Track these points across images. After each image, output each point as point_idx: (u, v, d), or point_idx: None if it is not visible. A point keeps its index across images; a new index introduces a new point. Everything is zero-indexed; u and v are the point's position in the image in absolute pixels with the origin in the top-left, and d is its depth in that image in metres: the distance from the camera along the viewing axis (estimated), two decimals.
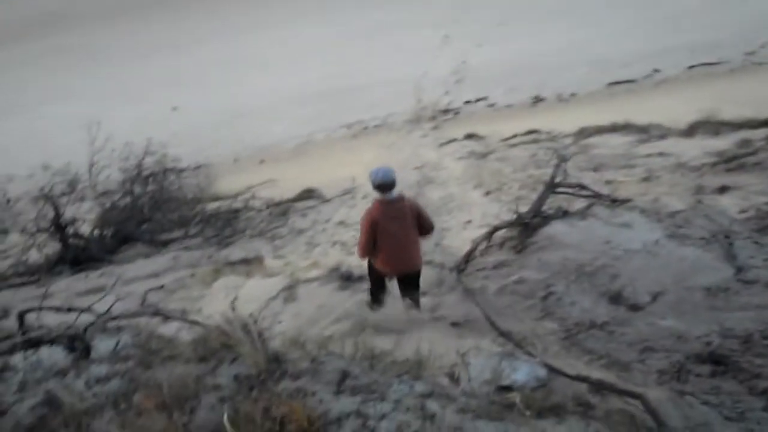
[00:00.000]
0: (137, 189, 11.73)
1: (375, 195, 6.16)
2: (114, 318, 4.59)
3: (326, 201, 12.60)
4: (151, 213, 11.39)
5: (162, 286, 8.26)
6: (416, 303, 6.36)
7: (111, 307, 5.06)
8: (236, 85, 20.40)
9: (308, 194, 12.95)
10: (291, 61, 21.46)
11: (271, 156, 17.08)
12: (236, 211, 12.13)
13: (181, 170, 12.88)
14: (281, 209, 12.33)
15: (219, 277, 8.80)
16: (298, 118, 18.11)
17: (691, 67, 17.57)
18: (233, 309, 7.67)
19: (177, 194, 12.41)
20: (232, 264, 9.40)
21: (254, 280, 8.46)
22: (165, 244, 10.95)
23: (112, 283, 7.47)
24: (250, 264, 9.59)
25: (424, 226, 6.23)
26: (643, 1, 21.85)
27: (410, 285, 6.31)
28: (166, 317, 5.05)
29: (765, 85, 14.86)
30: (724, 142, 11.01)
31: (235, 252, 10.04)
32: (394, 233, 6.00)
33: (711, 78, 16.88)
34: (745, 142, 10.55)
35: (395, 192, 6.10)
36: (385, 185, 6.02)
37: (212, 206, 12.46)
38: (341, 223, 11.40)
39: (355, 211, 11.81)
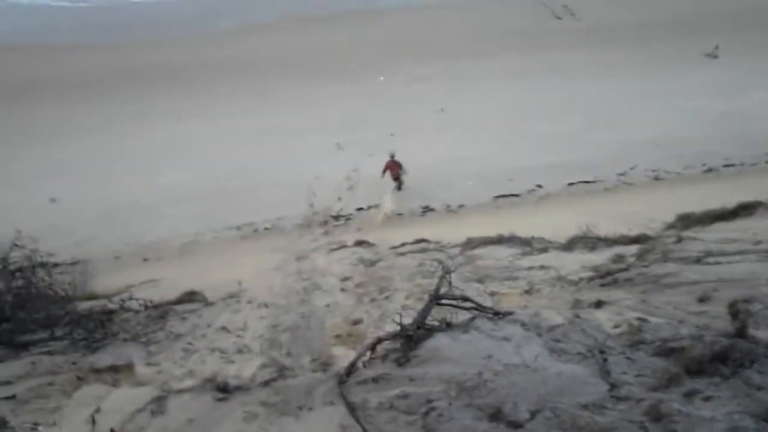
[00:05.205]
0: (0, 284, 10.82)
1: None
2: None
3: (209, 304, 12.13)
4: (13, 312, 10.42)
5: (14, 396, 7.47)
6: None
7: None
8: (120, 180, 19.69)
9: (190, 297, 12.41)
10: (177, 159, 21.01)
11: (155, 254, 16.46)
12: (111, 312, 11.38)
13: (55, 265, 12.13)
14: (160, 312, 11.70)
15: (82, 385, 8.18)
16: (185, 217, 17.66)
17: (571, 184, 18.71)
18: (93, 423, 7.07)
19: (46, 292, 11.53)
20: (98, 371, 8.75)
21: (121, 390, 7.94)
22: (25, 346, 10.00)
23: None
24: (118, 371, 8.98)
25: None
26: (521, 119, 23.00)
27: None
28: None
29: (635, 203, 16.00)
30: (600, 257, 11.56)
31: (104, 357, 9.36)
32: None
33: (588, 195, 18.07)
34: (619, 258, 11.09)
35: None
36: (391, 155, 18.52)
37: (85, 306, 11.63)
38: (223, 328, 10.95)
39: (239, 317, 11.42)
